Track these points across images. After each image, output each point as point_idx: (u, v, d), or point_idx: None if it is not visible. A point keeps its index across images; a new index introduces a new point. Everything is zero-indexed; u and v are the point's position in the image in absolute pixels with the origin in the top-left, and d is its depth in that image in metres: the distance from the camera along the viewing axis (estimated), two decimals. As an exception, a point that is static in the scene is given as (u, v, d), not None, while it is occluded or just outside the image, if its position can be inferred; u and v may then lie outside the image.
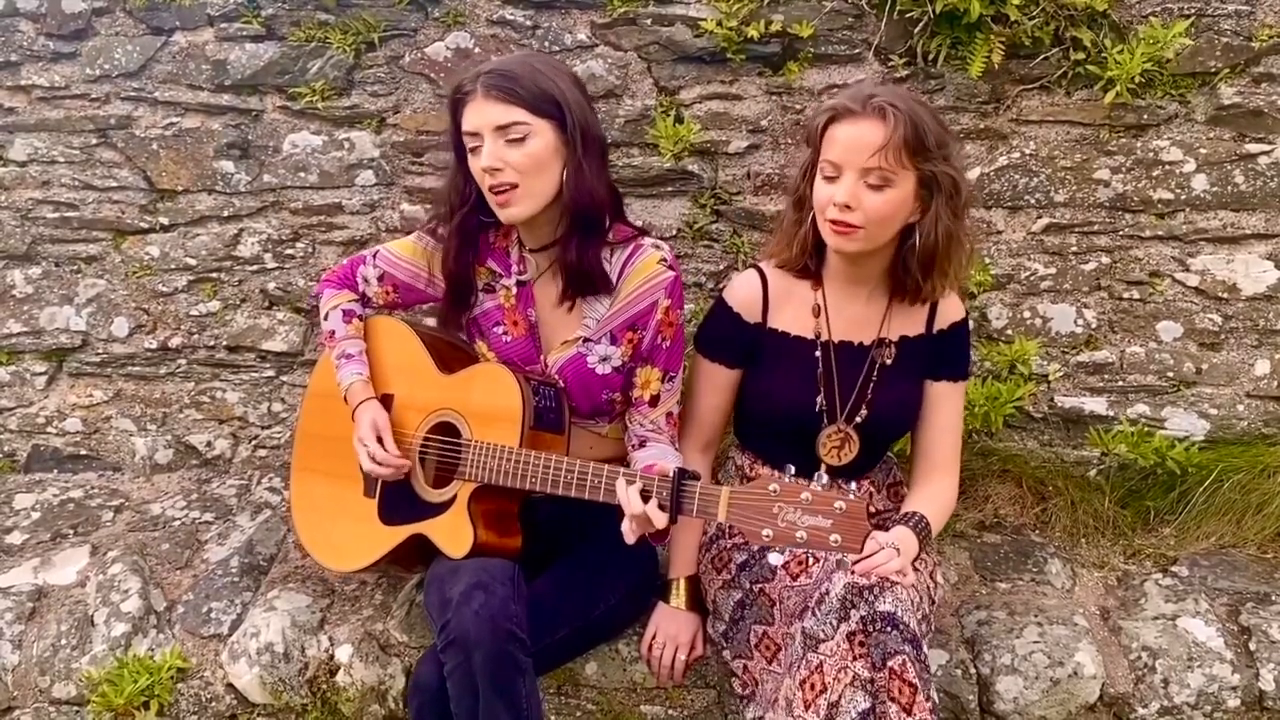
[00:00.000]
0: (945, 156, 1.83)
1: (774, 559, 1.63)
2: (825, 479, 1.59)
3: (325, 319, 2.12)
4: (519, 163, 1.85)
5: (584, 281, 1.97)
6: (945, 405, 2.03)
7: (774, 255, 2.02)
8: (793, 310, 2.00)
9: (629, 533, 1.76)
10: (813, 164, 1.89)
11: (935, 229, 1.85)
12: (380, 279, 2.10)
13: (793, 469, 1.64)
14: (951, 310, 2.03)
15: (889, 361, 1.99)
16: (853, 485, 1.62)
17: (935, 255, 1.87)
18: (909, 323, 2.01)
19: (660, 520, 1.73)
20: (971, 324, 2.53)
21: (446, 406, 2.00)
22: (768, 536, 1.60)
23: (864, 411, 1.99)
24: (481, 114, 1.84)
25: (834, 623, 1.71)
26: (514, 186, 1.86)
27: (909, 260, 1.89)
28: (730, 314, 2.01)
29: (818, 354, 1.99)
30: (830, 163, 1.83)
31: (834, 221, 1.83)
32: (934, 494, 1.99)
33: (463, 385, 2.01)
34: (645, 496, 1.74)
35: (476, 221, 1.99)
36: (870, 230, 1.83)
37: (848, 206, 1.80)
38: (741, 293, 2.01)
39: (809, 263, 1.97)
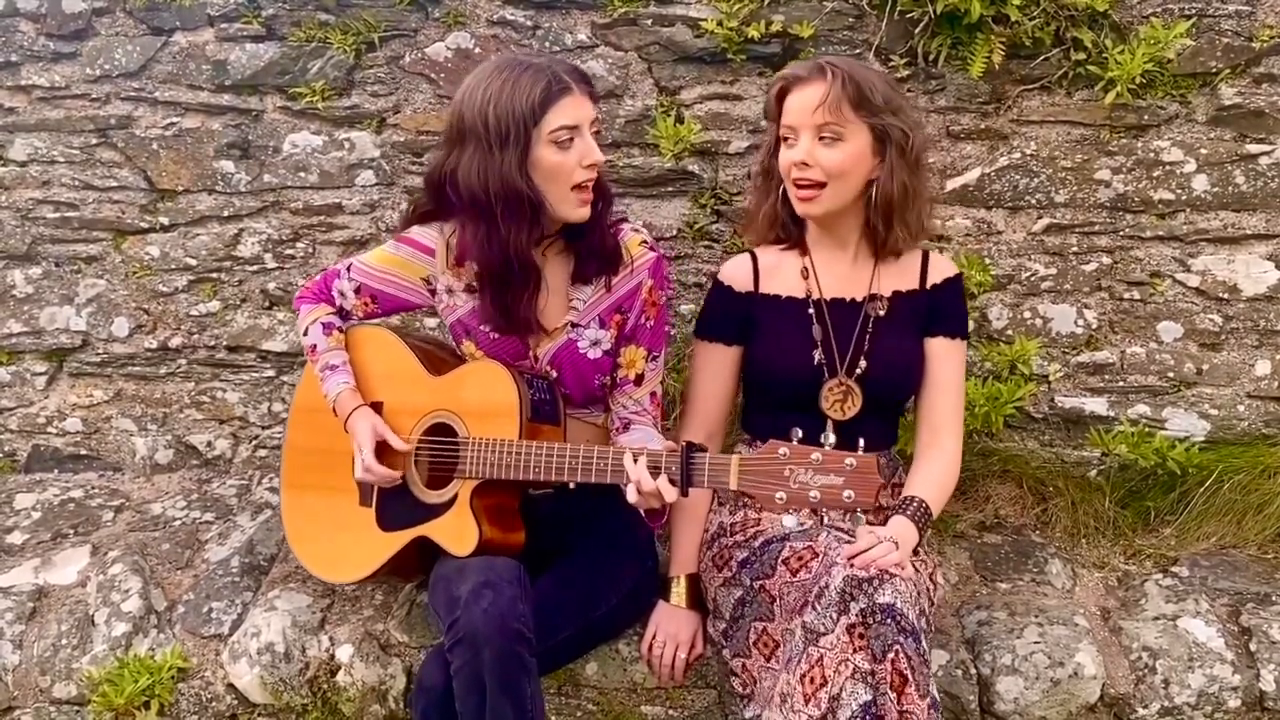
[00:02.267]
0: (894, 110, 1.93)
1: (788, 521, 1.65)
2: (833, 438, 1.62)
3: (305, 334, 2.10)
4: (601, 157, 1.93)
5: (610, 258, 2.02)
6: (943, 363, 2.05)
7: (749, 233, 2.13)
8: (783, 276, 2.08)
9: (634, 499, 1.79)
10: (776, 138, 1.99)
11: (891, 181, 1.94)
12: (357, 291, 2.08)
13: (800, 432, 1.67)
14: (944, 267, 2.09)
15: (882, 313, 2.04)
16: (860, 444, 1.64)
17: (893, 206, 1.96)
18: (901, 278, 2.06)
19: (671, 494, 1.75)
20: (972, 324, 2.55)
21: (440, 408, 2.00)
22: (781, 500, 1.63)
23: (863, 363, 2.02)
24: (583, 108, 1.89)
25: (834, 616, 1.71)
26: (592, 183, 1.93)
27: (872, 214, 1.97)
28: (722, 288, 2.09)
29: (810, 311, 2.04)
30: (787, 127, 1.93)
31: (797, 183, 1.93)
32: (935, 464, 1.99)
33: (455, 385, 2.01)
34: (654, 472, 1.75)
35: None
36: (833, 187, 1.93)
37: (805, 164, 1.91)
38: (732, 268, 2.11)
39: (786, 231, 2.06)
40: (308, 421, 2.18)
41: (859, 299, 2.04)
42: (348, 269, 2.09)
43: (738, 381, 2.13)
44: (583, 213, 1.93)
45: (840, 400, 2.02)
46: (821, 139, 1.90)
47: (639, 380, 2.08)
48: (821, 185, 1.92)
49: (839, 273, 2.05)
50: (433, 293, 2.08)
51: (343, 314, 2.12)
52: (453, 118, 1.92)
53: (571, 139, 1.87)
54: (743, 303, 2.07)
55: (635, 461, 1.77)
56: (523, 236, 1.91)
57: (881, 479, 1.59)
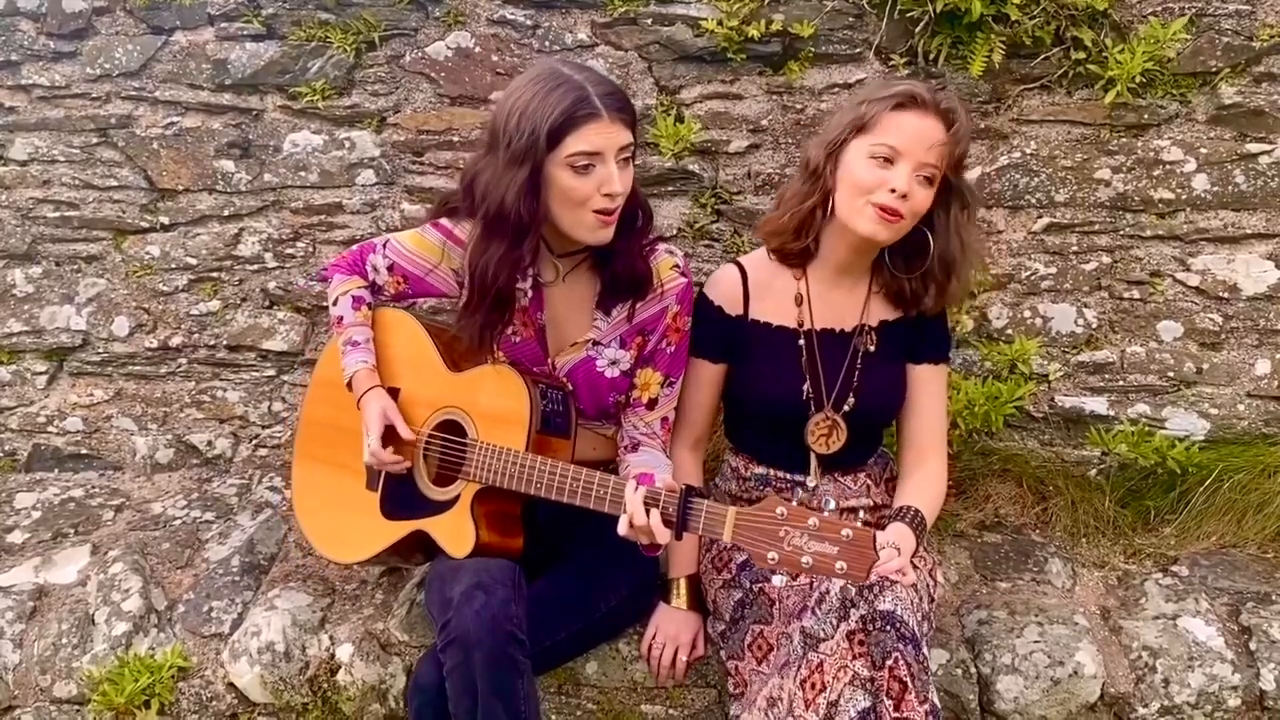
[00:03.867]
0: (967, 167, 1.89)
1: (777, 580, 1.63)
2: (833, 505, 1.59)
3: (334, 304, 2.09)
4: (628, 184, 1.85)
5: (639, 283, 1.96)
6: (928, 389, 2.04)
7: (767, 228, 2.00)
8: (774, 300, 2.01)
9: (624, 531, 1.77)
10: (842, 142, 1.88)
11: (957, 236, 1.89)
12: (390, 269, 2.07)
13: (800, 492, 1.63)
14: None
15: (872, 348, 2.01)
16: (859, 516, 1.60)
17: (955, 263, 1.91)
18: (889, 309, 2.03)
19: (664, 536, 1.73)
20: (972, 324, 2.55)
21: (453, 405, 2.00)
22: (773, 560, 1.59)
23: (851, 400, 2.00)
24: (609, 136, 1.80)
25: (834, 622, 1.71)
26: (619, 209, 1.86)
27: (914, 260, 1.92)
28: (711, 307, 2.03)
29: (801, 343, 2.00)
30: (890, 147, 1.83)
31: (883, 207, 1.83)
32: (924, 482, 1.99)
33: (470, 385, 2.01)
34: (650, 510, 1.73)
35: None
36: (907, 224, 1.86)
37: (904, 196, 1.82)
38: (721, 286, 2.03)
39: (815, 245, 1.96)
40: (325, 396, 2.18)
41: (848, 330, 2.01)
42: (384, 245, 2.08)
43: (721, 392, 2.10)
44: (601, 236, 1.87)
45: (825, 435, 2.01)
46: (920, 176, 1.83)
47: (652, 404, 2.04)
48: (903, 217, 1.84)
49: (832, 301, 2.01)
50: (461, 285, 2.04)
51: (374, 289, 2.10)
52: (490, 120, 1.89)
53: (591, 165, 1.80)
54: (731, 326, 2.02)
55: (636, 496, 1.74)
56: (496, 256, 1.86)
57: (876, 555, 1.55)
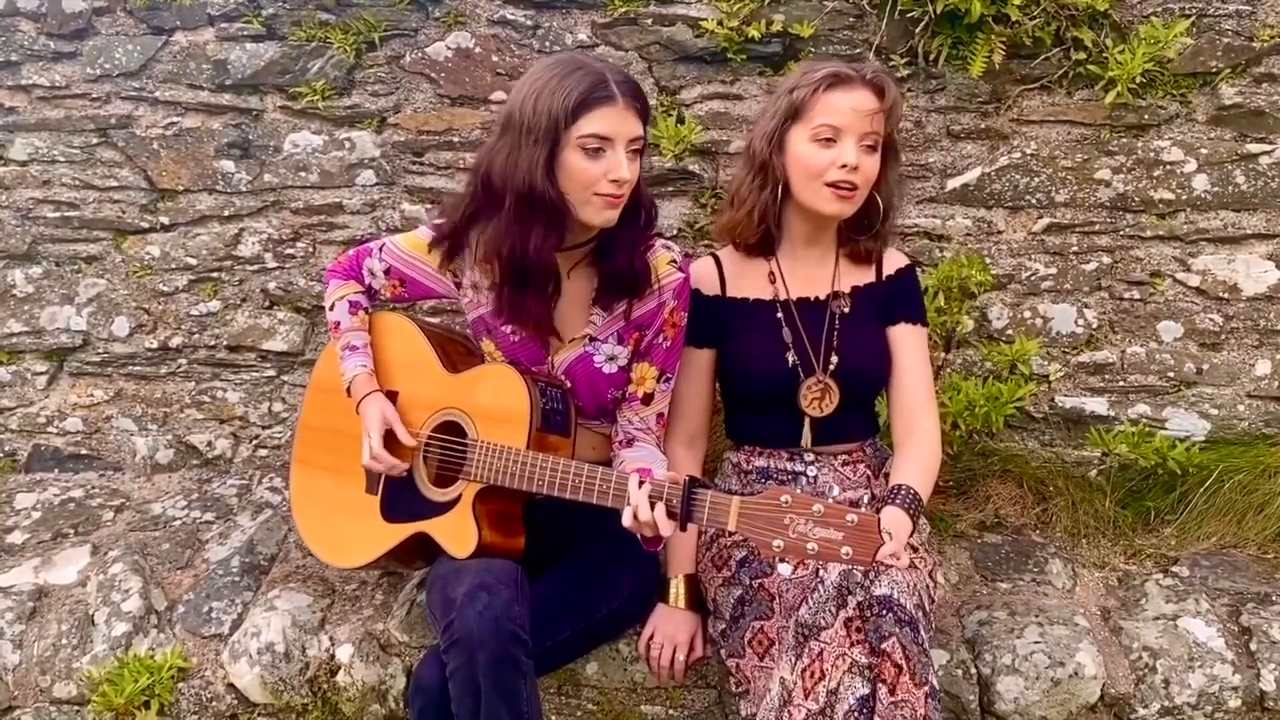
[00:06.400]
0: (901, 130, 2.00)
1: (783, 569, 1.63)
2: (836, 491, 1.60)
3: (331, 309, 2.10)
4: (635, 175, 1.87)
5: (628, 283, 1.97)
6: (907, 348, 2.07)
7: (728, 228, 2.07)
8: (749, 281, 2.09)
9: (628, 524, 1.77)
10: (781, 131, 1.96)
11: (894, 190, 2.02)
12: (387, 272, 2.08)
13: (804, 483, 1.63)
14: (897, 258, 2.13)
15: (846, 310, 2.06)
16: (863, 501, 1.61)
17: (893, 209, 2.04)
18: (859, 274, 2.09)
19: (667, 528, 1.73)
20: (972, 324, 2.55)
21: (452, 405, 2.00)
22: (779, 547, 1.59)
23: (834, 359, 2.03)
24: (623, 123, 1.82)
25: (833, 610, 1.72)
26: (625, 196, 1.87)
27: (870, 220, 2.01)
28: (690, 291, 2.07)
29: (779, 315, 2.05)
30: (830, 126, 1.91)
31: (835, 184, 1.92)
32: (916, 451, 1.99)
33: (469, 385, 2.01)
34: (655, 503, 1.73)
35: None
36: (862, 192, 1.95)
37: (854, 168, 1.90)
38: (699, 271, 2.11)
39: (771, 228, 2.03)
40: (323, 401, 2.18)
41: (823, 297, 2.07)
42: (380, 248, 2.08)
43: (714, 383, 2.14)
44: (606, 217, 1.87)
45: (818, 398, 2.03)
46: (864, 146, 1.92)
47: (647, 399, 2.05)
48: (858, 188, 1.93)
49: (803, 273, 2.07)
50: (458, 285, 2.06)
51: (371, 293, 2.11)
52: (505, 108, 1.89)
53: (602, 149, 1.81)
54: (711, 307, 2.07)
55: (639, 489, 1.74)
56: (535, 238, 1.85)
57: (881, 540, 1.56)
